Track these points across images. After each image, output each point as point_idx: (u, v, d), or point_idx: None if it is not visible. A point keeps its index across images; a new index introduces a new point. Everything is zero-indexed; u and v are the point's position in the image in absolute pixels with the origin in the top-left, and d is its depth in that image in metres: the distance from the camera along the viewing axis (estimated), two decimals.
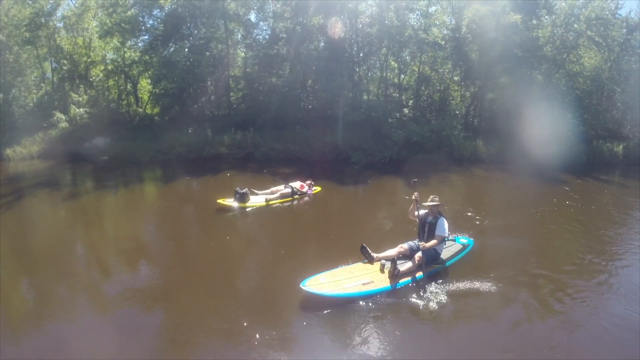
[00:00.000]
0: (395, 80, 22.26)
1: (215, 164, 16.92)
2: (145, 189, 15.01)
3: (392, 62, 22.10)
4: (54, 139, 22.50)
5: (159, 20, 21.81)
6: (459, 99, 22.70)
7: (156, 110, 24.99)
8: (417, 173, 15.30)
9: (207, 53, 20.10)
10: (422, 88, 21.96)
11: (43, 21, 24.45)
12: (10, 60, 25.49)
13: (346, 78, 19.05)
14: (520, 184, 14.99)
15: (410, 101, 21.66)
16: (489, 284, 6.14)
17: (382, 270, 6.27)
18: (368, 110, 18.29)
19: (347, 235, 8.47)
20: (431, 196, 6.71)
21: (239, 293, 6.30)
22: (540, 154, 17.15)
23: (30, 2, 25.61)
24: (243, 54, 22.71)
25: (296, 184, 11.56)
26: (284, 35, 20.17)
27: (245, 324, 5.19)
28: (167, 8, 21.19)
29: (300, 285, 5.72)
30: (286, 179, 12.08)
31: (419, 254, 6.31)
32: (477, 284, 6.10)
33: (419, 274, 6.23)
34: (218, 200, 10.34)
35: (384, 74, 21.76)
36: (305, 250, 7.91)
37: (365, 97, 20.45)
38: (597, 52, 22.63)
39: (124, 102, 24.93)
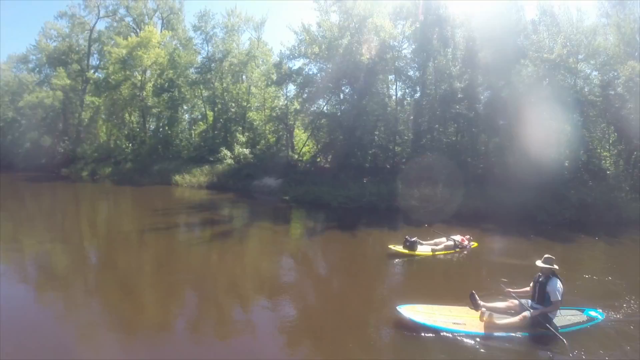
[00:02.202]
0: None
1: (405, 216, 17.71)
2: (328, 230, 16.07)
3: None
4: (220, 173, 25.03)
5: (327, 73, 23.67)
6: (611, 159, 23.03)
7: (306, 157, 26.91)
8: (586, 235, 15.80)
9: (388, 108, 21.79)
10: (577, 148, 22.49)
11: (212, 66, 27.39)
12: (176, 96, 28.67)
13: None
14: None
15: (567, 162, 22.17)
16: None
17: (481, 319, 6.21)
18: (548, 172, 19.30)
19: (488, 286, 8.27)
20: (545, 255, 6.40)
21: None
22: None
23: (197, 48, 28.97)
24: (407, 108, 24.35)
25: (457, 237, 12.05)
26: (461, 96, 21.65)
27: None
28: (337, 61, 23.13)
29: (397, 307, 6.25)
30: (449, 233, 12.54)
31: (524, 314, 6.14)
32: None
33: (520, 333, 6.07)
34: (389, 246, 11.17)
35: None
36: (446, 296, 7.55)
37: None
38: None
39: (282, 147, 27.16)
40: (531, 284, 6.58)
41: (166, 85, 28.60)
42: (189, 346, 5.70)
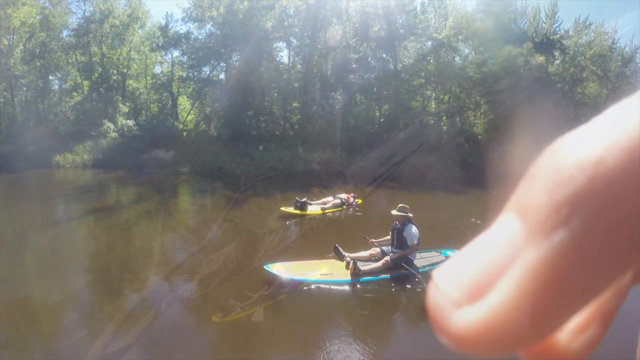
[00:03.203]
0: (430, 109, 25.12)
1: (308, 180, 17.74)
2: (225, 199, 15.35)
3: (428, 92, 24.86)
4: (105, 149, 22.72)
5: (218, 38, 22.78)
6: (483, 126, 25.60)
7: (190, 126, 25.86)
8: (468, 187, 17.66)
9: (285, 76, 21.59)
10: (452, 116, 24.71)
11: (91, 27, 24.49)
12: (49, 63, 25.24)
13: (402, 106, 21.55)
14: None
15: (445, 127, 24.39)
16: None
17: (347, 267, 6.63)
18: (436, 137, 20.84)
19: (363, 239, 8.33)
20: (400, 205, 6.94)
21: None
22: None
23: (74, 8, 25.68)
24: (295, 75, 24.30)
25: (343, 196, 12.86)
26: (355, 65, 22.13)
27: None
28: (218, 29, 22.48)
29: (264, 267, 6.50)
30: (335, 192, 13.39)
31: (386, 258, 6.66)
32: None
33: (384, 275, 6.55)
34: (281, 208, 11.55)
35: (425, 104, 24.49)
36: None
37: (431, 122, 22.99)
38: (598, 83, 26.57)
39: (167, 117, 25.61)
40: (390, 233, 7.02)
41: (37, 51, 24.98)
42: (93, 351, 5.01)
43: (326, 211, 12.09)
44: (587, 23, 26.13)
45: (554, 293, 0.14)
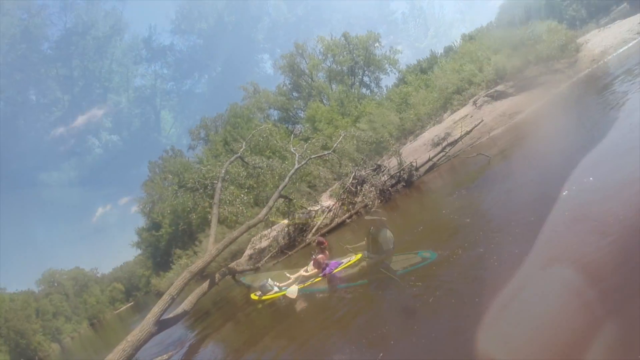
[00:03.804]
0: None
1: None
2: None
3: None
4: (92, 165, 22.97)
5: (204, 49, 23.13)
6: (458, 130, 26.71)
7: (173, 139, 26.23)
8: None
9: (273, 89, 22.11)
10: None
11: (74, 39, 24.48)
12: (26, 76, 25.04)
13: None
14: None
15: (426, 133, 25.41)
16: (430, 298, 5.33)
17: (324, 275, 6.74)
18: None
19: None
20: (373, 210, 7.32)
21: None
22: None
23: (54, 19, 25.41)
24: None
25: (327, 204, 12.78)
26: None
27: None
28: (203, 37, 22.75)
29: (240, 279, 7.15)
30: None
31: (362, 264, 6.66)
32: (417, 295, 5.54)
33: (361, 280, 6.47)
34: (271, 219, 11.83)
35: None
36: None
37: None
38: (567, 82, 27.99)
39: (151, 132, 25.71)
40: (365, 238, 6.89)
41: (17, 64, 24.71)
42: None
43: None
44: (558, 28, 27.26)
45: None
